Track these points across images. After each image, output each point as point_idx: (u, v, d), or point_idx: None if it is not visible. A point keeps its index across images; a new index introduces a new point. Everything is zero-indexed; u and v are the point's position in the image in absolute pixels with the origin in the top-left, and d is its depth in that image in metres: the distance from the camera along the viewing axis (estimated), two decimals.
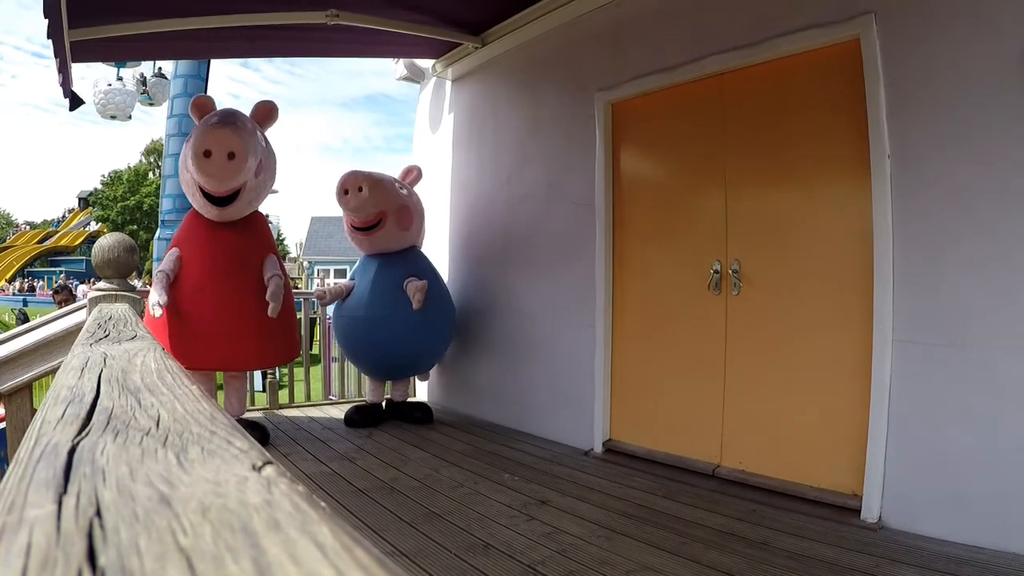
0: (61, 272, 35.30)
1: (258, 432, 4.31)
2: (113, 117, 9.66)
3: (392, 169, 5.30)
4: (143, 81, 9.91)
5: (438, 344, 5.02)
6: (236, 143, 3.69)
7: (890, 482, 2.77)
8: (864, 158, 2.90)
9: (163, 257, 3.98)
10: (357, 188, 4.54)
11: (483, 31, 5.08)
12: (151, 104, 9.87)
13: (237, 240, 4.09)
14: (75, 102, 3.78)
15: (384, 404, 5.09)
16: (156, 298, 3.61)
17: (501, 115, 5.13)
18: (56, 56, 3.33)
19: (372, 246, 4.78)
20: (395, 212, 4.70)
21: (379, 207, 4.61)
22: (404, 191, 4.85)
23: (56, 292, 9.09)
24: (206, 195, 3.87)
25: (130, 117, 9.75)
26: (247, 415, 4.97)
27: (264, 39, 4.82)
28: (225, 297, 3.92)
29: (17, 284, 34.12)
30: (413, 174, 5.10)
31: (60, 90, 3.66)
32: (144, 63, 9.81)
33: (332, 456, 4.02)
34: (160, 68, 9.76)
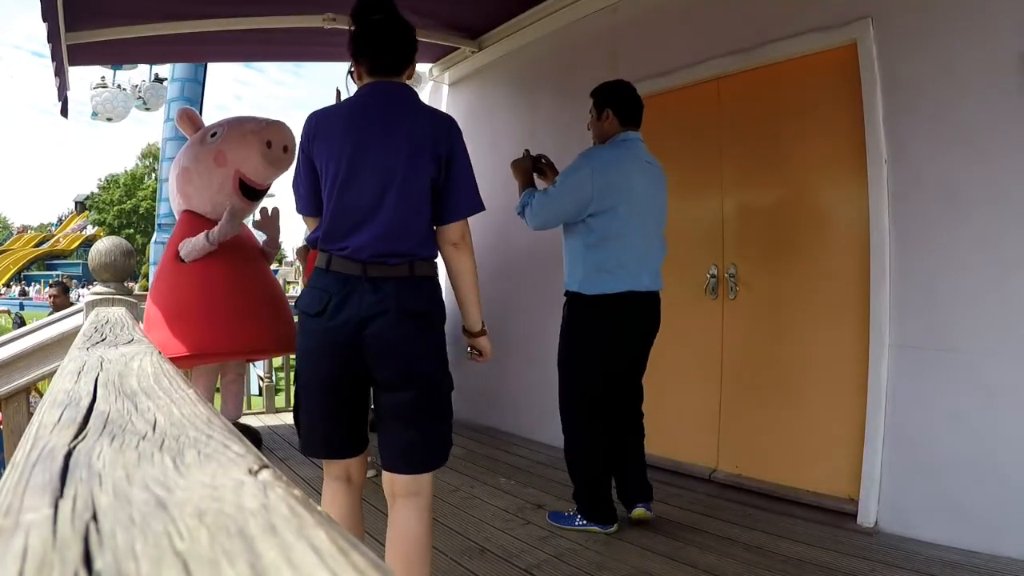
0: (59, 275, 35.19)
1: (251, 436, 4.30)
2: (109, 119, 9.75)
3: None
4: (138, 87, 9.98)
5: None
6: (292, 138, 4.06)
7: (886, 487, 2.77)
8: (861, 162, 2.91)
9: (170, 256, 3.97)
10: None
11: (480, 35, 5.09)
12: (147, 109, 9.93)
13: (243, 236, 4.25)
14: (66, 109, 3.79)
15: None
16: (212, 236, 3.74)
17: (498, 119, 5.14)
18: (53, 60, 3.33)
19: None
20: None
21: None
22: None
23: (51, 285, 8.97)
24: (244, 188, 4.03)
25: (124, 117, 9.89)
26: (240, 419, 4.97)
27: (261, 43, 4.83)
28: (257, 281, 4.12)
29: (16, 288, 34.00)
30: None
31: (56, 93, 3.66)
32: (141, 70, 9.90)
33: None
34: (157, 74, 9.83)
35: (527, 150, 3.18)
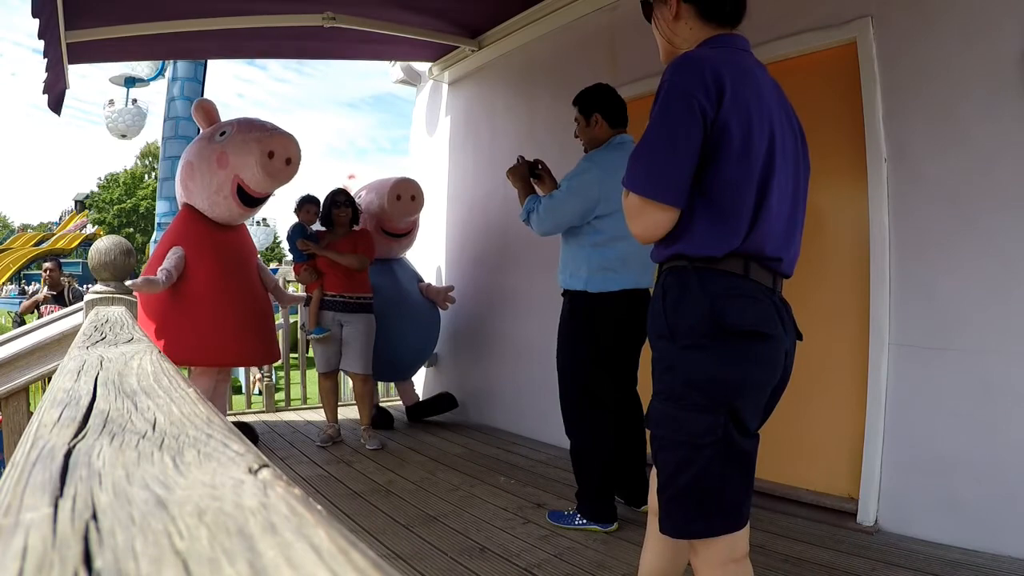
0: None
1: (247, 433, 4.31)
2: (123, 136, 9.96)
3: (394, 171, 5.39)
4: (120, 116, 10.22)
5: (432, 343, 5.18)
6: (297, 151, 4.03)
7: (886, 485, 2.78)
8: (861, 161, 2.91)
9: (162, 255, 3.96)
10: (411, 197, 4.87)
11: (480, 34, 5.09)
12: (123, 136, 10.15)
13: (239, 240, 4.31)
14: (59, 106, 3.80)
15: (405, 410, 5.19)
16: (139, 282, 3.51)
17: (497, 118, 5.14)
18: (45, 56, 3.32)
19: (390, 252, 5.02)
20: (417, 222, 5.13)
21: (418, 215, 5.06)
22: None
23: (46, 260, 8.49)
24: (243, 194, 3.98)
25: (137, 135, 10.17)
26: (240, 418, 5.00)
27: (261, 40, 4.83)
28: (243, 293, 4.14)
29: (18, 287, 33.92)
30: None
31: (51, 91, 3.66)
32: (118, 97, 10.12)
33: (328, 459, 4.01)
34: (135, 100, 10.08)
35: (521, 156, 3.16)
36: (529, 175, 3.10)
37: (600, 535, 2.78)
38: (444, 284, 5.43)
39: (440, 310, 5.15)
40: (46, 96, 3.71)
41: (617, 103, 2.94)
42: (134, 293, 2.57)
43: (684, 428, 1.44)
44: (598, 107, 2.91)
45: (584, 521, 2.86)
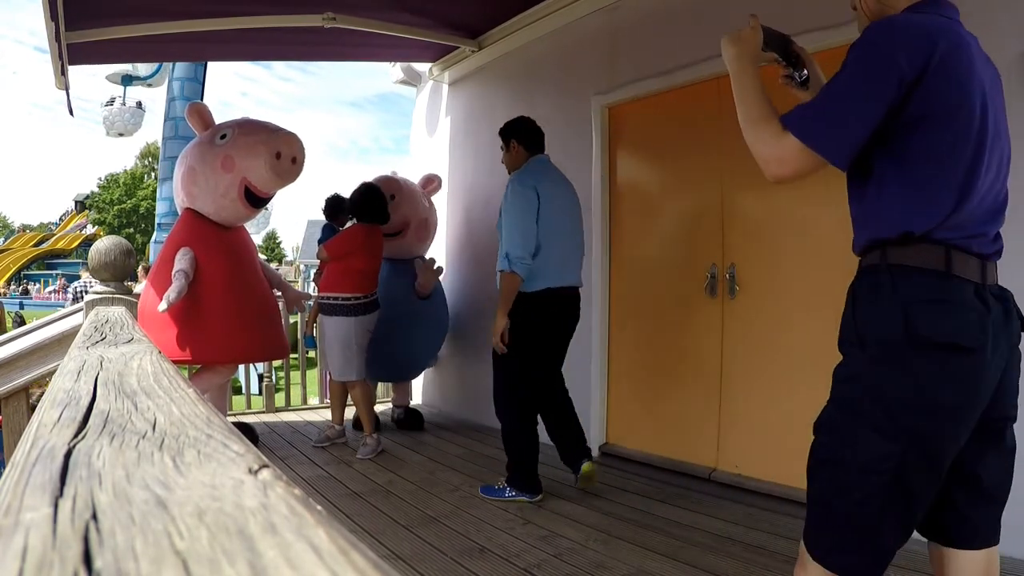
0: (58, 274, 35.21)
1: (247, 433, 4.32)
2: (120, 135, 9.98)
3: (395, 171, 5.37)
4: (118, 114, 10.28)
5: (435, 347, 5.14)
6: (302, 149, 4.07)
7: None
8: None
9: (170, 256, 3.96)
10: (390, 196, 4.67)
11: (480, 35, 5.09)
12: (120, 135, 10.16)
13: (241, 240, 4.34)
14: (70, 106, 3.81)
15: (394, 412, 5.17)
16: (172, 295, 3.56)
17: (497, 118, 5.11)
18: (58, 60, 3.33)
19: (398, 252, 4.96)
20: (417, 224, 4.96)
21: (406, 217, 4.86)
22: (426, 203, 5.06)
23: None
24: (250, 196, 4.00)
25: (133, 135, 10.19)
26: (240, 418, 5.00)
27: (261, 42, 4.83)
28: (252, 290, 4.17)
29: (20, 287, 33.96)
30: (434, 184, 5.30)
31: (65, 95, 3.68)
32: (117, 96, 10.15)
33: (328, 460, 4.01)
34: (139, 103, 10.13)
35: (754, 15, 1.80)
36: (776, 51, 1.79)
37: (600, 535, 2.78)
38: (444, 286, 5.43)
39: (448, 315, 5.12)
40: (68, 103, 3.73)
41: (532, 131, 3.35)
42: (139, 298, 2.57)
43: (855, 447, 1.29)
44: (514, 135, 3.34)
45: (514, 493, 3.22)
